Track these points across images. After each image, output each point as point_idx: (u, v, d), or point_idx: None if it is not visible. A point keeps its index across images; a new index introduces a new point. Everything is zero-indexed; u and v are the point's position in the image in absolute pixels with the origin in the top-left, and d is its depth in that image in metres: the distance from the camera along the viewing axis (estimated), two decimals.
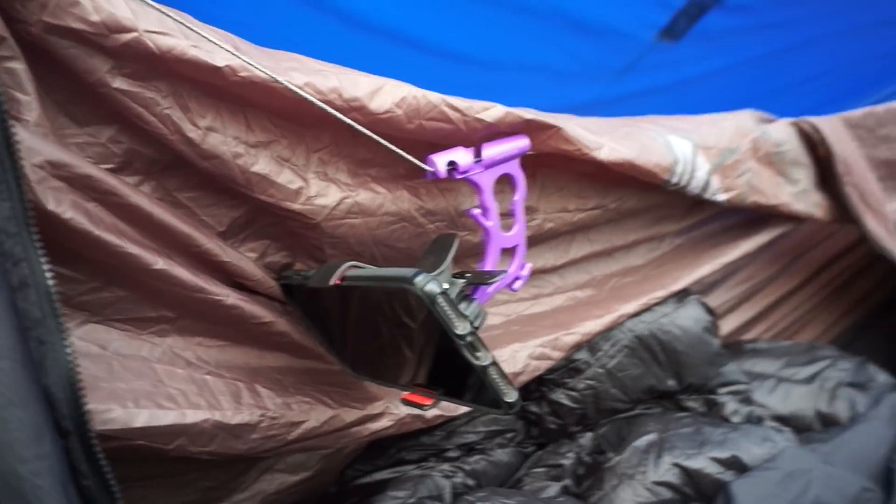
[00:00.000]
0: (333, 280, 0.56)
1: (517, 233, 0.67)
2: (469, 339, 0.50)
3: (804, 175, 1.02)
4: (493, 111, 0.61)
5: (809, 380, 1.14)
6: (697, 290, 1.13)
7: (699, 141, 0.81)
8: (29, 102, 0.46)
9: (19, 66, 0.45)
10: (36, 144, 0.43)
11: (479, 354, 0.50)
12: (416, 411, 0.68)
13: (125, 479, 0.58)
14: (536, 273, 0.87)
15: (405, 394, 0.60)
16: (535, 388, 0.90)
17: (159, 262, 0.51)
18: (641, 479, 0.83)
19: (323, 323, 0.68)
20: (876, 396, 1.10)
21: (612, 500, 0.82)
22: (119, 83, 0.48)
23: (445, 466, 0.82)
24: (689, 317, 0.94)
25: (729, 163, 0.85)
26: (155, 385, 0.53)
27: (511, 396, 0.52)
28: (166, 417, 0.51)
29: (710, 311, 0.97)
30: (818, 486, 0.80)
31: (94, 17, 0.45)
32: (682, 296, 0.95)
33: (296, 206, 0.59)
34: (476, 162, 0.62)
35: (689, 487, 0.84)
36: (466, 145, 0.62)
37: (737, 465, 0.85)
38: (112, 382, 0.50)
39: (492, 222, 0.64)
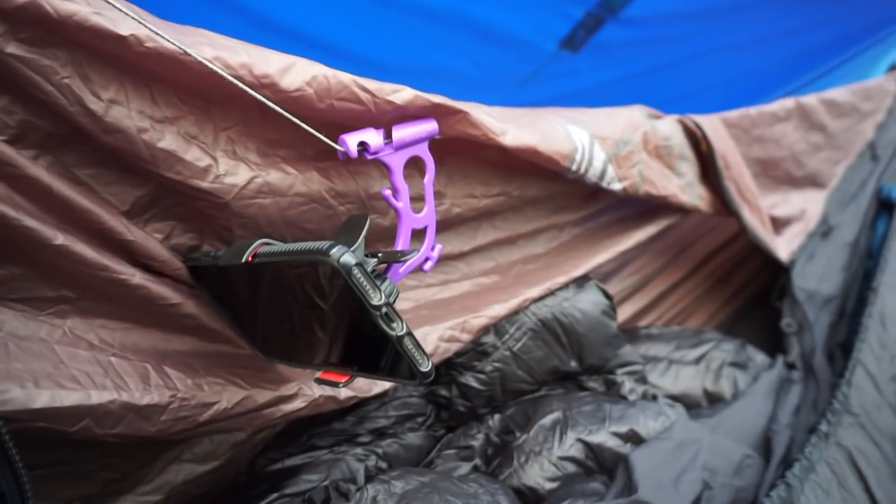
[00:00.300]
0: (246, 257, 0.56)
1: (427, 214, 0.68)
2: (385, 309, 0.51)
3: (689, 169, 1.09)
4: (402, 93, 0.63)
5: (697, 361, 1.22)
6: (595, 277, 1.20)
7: (596, 131, 0.86)
8: None
9: None
10: None
11: (394, 325, 0.51)
12: (331, 390, 0.68)
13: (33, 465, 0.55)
14: (444, 259, 0.89)
15: (320, 372, 0.60)
16: (445, 371, 0.92)
17: (59, 238, 0.49)
18: (548, 455, 0.87)
19: (233, 305, 0.67)
20: (755, 375, 1.20)
21: (521, 476, 0.85)
22: (13, 48, 0.46)
23: (358, 451, 0.82)
24: (589, 300, 0.98)
25: (623, 153, 0.90)
26: (56, 366, 0.50)
27: (426, 366, 0.53)
28: (69, 398, 0.49)
29: (607, 295, 1.02)
30: (706, 454, 0.86)
31: None
32: (581, 281, 1.00)
33: (204, 185, 0.58)
34: (386, 143, 0.63)
35: (592, 461, 0.88)
36: (376, 127, 0.63)
37: (634, 438, 0.91)
38: (8, 363, 0.48)
39: (402, 203, 0.66)
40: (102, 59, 0.50)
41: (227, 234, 0.64)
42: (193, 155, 0.57)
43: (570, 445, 0.87)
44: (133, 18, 0.47)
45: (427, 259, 0.70)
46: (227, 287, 0.67)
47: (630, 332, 1.29)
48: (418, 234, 0.69)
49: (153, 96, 0.54)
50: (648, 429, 0.92)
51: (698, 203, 1.15)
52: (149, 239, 0.58)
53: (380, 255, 0.65)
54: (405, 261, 0.63)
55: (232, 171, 0.59)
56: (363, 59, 1.04)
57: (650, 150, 0.98)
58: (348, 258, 0.49)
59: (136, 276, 0.55)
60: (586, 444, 0.88)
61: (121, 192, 0.58)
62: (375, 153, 0.62)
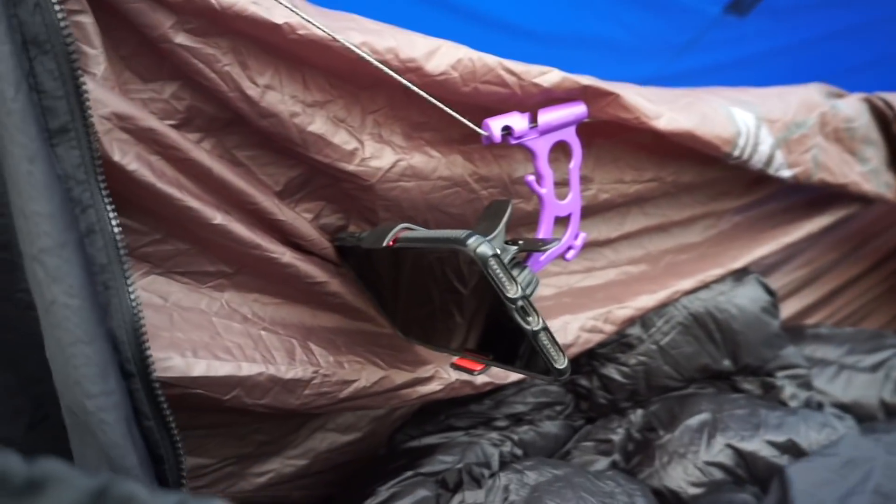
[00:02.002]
0: (387, 241, 0.56)
1: (572, 201, 0.66)
2: (521, 303, 0.49)
3: (875, 154, 0.97)
4: (550, 76, 0.60)
5: (874, 368, 1.10)
6: (756, 270, 1.10)
7: (764, 113, 0.78)
8: (97, 56, 0.48)
9: (87, 20, 0.47)
10: (103, 96, 0.45)
11: (530, 319, 0.50)
12: (467, 376, 0.68)
13: (183, 427, 0.60)
14: (589, 245, 0.86)
15: (456, 358, 0.60)
16: (586, 361, 0.89)
17: (218, 217, 0.52)
18: (693, 459, 0.82)
19: (376, 285, 0.69)
20: None
21: (662, 477, 0.81)
22: (181, 38, 0.49)
23: (494, 435, 0.82)
24: (747, 296, 0.91)
25: (795, 137, 0.82)
26: (213, 337, 0.54)
27: (561, 363, 0.51)
28: (223, 368, 0.52)
29: (769, 291, 0.94)
30: (880, 476, 0.77)
31: None
32: (740, 274, 0.93)
33: (350, 168, 0.59)
34: (531, 128, 0.61)
35: (742, 469, 0.82)
36: (522, 110, 0.61)
37: (793, 450, 0.83)
38: (172, 332, 0.52)
39: (546, 189, 0.63)
40: (259, 47, 0.53)
41: (372, 216, 0.65)
42: (341, 138, 0.58)
43: (718, 450, 0.82)
44: (286, 6, 0.48)
45: (570, 248, 0.67)
46: (371, 267, 0.69)
47: (795, 331, 1.19)
48: (563, 221, 0.67)
49: (305, 81, 0.56)
50: (811, 441, 0.84)
51: (884, 192, 1.02)
52: (298, 219, 0.60)
53: (521, 242, 0.63)
54: (546, 250, 0.61)
55: (377, 154, 0.60)
56: (512, 27, 1.02)
57: (828, 133, 0.88)
58: (485, 249, 0.48)
59: (287, 255, 0.58)
60: (737, 451, 0.82)
61: (276, 173, 0.61)
62: (520, 138, 0.60)
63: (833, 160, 0.91)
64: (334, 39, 0.50)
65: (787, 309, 1.23)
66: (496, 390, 0.85)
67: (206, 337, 0.53)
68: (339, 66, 0.56)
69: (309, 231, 0.61)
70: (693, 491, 0.80)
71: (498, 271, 0.48)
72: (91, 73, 0.47)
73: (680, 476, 0.81)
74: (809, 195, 1.05)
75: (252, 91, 0.53)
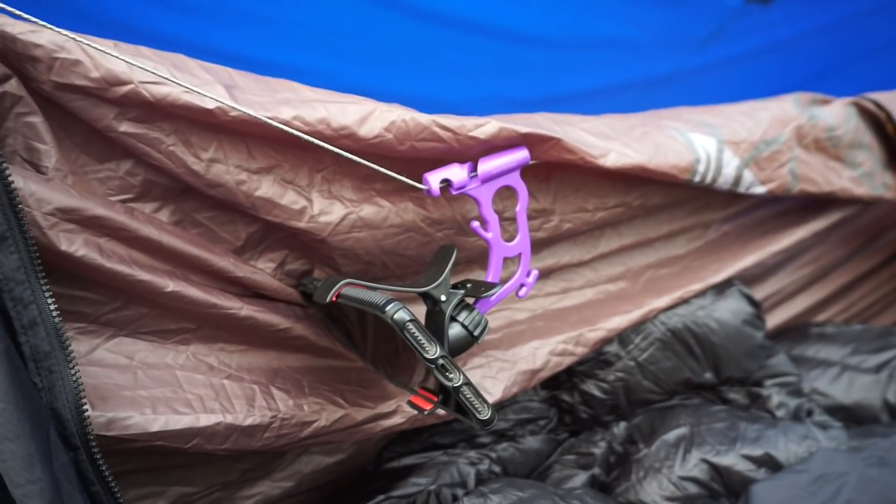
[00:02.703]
0: (329, 298, 0.60)
1: (521, 242, 0.68)
2: (440, 362, 0.53)
3: (867, 157, 0.96)
4: (485, 128, 0.63)
5: (878, 368, 1.08)
6: (757, 271, 1.10)
7: (727, 136, 0.78)
8: (48, 151, 0.53)
9: (37, 120, 0.52)
10: (46, 195, 0.49)
11: (450, 376, 0.53)
12: (418, 414, 0.72)
13: (157, 468, 0.66)
14: (565, 268, 0.88)
15: (412, 396, 0.64)
16: (567, 378, 0.92)
17: (170, 286, 0.57)
18: (668, 473, 0.84)
19: (343, 324, 0.73)
20: None
21: (638, 492, 0.84)
22: (125, 127, 0.54)
23: (472, 453, 0.86)
24: (728, 309, 0.92)
25: (765, 155, 0.81)
26: (174, 391, 0.59)
27: (485, 414, 0.54)
28: (181, 422, 0.57)
29: (753, 302, 0.94)
30: (851, 491, 0.77)
31: (95, 74, 0.50)
32: (723, 287, 0.93)
33: (301, 225, 0.63)
34: (472, 177, 0.64)
35: (718, 484, 0.84)
36: (463, 161, 0.64)
37: (770, 463, 0.84)
38: (135, 391, 0.57)
39: (492, 234, 0.66)
40: (201, 126, 0.57)
41: (332, 262, 0.69)
42: (289, 199, 0.62)
43: (693, 465, 0.84)
44: (212, 98, 0.52)
45: (522, 285, 0.70)
46: (337, 308, 0.73)
47: (800, 330, 1.18)
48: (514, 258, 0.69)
49: (249, 150, 0.60)
50: (789, 454, 0.85)
51: (882, 193, 1.01)
52: (256, 273, 0.64)
53: (468, 286, 0.66)
54: (486, 297, 0.64)
55: (326, 209, 0.64)
56: (523, 37, 1.02)
57: (808, 144, 0.87)
58: (402, 315, 0.51)
59: (244, 309, 0.62)
60: (712, 466, 0.84)
61: (235, 230, 0.65)
62: (460, 188, 0.63)
63: (815, 170, 0.90)
64: (258, 120, 0.54)
65: (797, 305, 1.22)
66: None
67: (168, 392, 0.59)
68: (282, 135, 0.59)
69: (269, 282, 0.66)
70: None
71: (416, 334, 0.52)
72: (43, 167, 0.52)
73: (655, 490, 0.83)
74: (803, 200, 1.03)
75: (197, 166, 0.57)
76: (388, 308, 0.52)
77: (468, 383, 0.54)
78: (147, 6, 0.82)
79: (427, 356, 0.52)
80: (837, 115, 0.91)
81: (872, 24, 1.26)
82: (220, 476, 0.74)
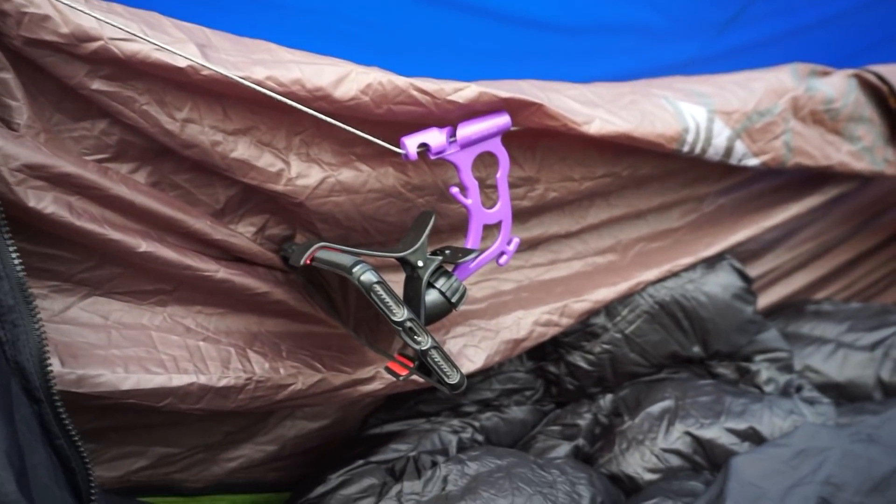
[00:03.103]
0: (304, 260, 0.60)
1: (501, 209, 0.68)
2: (408, 325, 0.52)
3: (868, 131, 0.94)
4: (465, 92, 0.62)
5: (873, 346, 1.07)
6: (755, 247, 1.08)
7: (718, 106, 0.77)
8: (19, 107, 0.52)
9: (8, 76, 0.51)
10: (13, 150, 0.49)
11: (418, 339, 0.53)
12: (394, 379, 0.72)
13: (134, 426, 0.67)
14: (554, 238, 0.87)
15: (389, 362, 0.64)
16: (553, 349, 0.92)
17: (143, 246, 0.57)
18: (650, 445, 0.84)
19: (325, 290, 0.73)
20: None
21: (620, 463, 0.84)
22: (97, 84, 0.53)
23: (455, 422, 0.86)
24: (718, 283, 0.91)
25: (758, 126, 0.80)
26: (148, 351, 0.60)
27: (454, 378, 0.54)
28: (153, 381, 0.58)
29: (744, 276, 0.93)
30: (833, 466, 0.77)
31: (64, 30, 0.50)
32: (713, 261, 0.92)
33: (278, 188, 0.63)
34: (451, 142, 0.63)
35: (701, 457, 0.83)
36: (442, 125, 0.63)
37: (754, 437, 0.84)
38: (108, 350, 0.57)
39: (472, 200, 0.66)
40: (175, 85, 0.56)
41: (312, 227, 0.69)
42: (266, 161, 0.62)
43: (676, 438, 0.84)
44: (182, 56, 0.52)
45: (502, 253, 0.70)
46: (319, 274, 0.73)
47: (796, 307, 1.17)
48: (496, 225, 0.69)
49: (225, 111, 0.59)
50: (774, 428, 0.85)
51: (883, 168, 0.99)
52: (234, 236, 0.64)
53: (447, 252, 0.66)
54: (461, 263, 0.63)
55: (304, 172, 0.64)
56: (536, 23, 1.00)
57: (804, 116, 0.86)
58: (369, 276, 0.51)
59: (220, 272, 0.62)
60: (695, 438, 0.83)
61: (214, 193, 0.65)
62: (438, 153, 0.62)
63: (812, 143, 0.88)
64: (230, 78, 0.53)
65: (796, 282, 1.21)
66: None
67: (142, 352, 0.59)
68: (258, 96, 0.59)
69: (248, 245, 0.66)
70: (649, 477, 0.82)
71: (383, 296, 0.52)
72: (14, 124, 0.52)
73: (637, 462, 0.83)
74: (802, 174, 1.02)
75: (172, 126, 0.57)
76: (355, 269, 0.51)
77: (436, 347, 0.54)
78: None
79: (394, 318, 0.52)
80: (837, 86, 0.89)
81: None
82: (202, 437, 0.75)
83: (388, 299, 0.52)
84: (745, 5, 1.07)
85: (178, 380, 0.59)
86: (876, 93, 0.94)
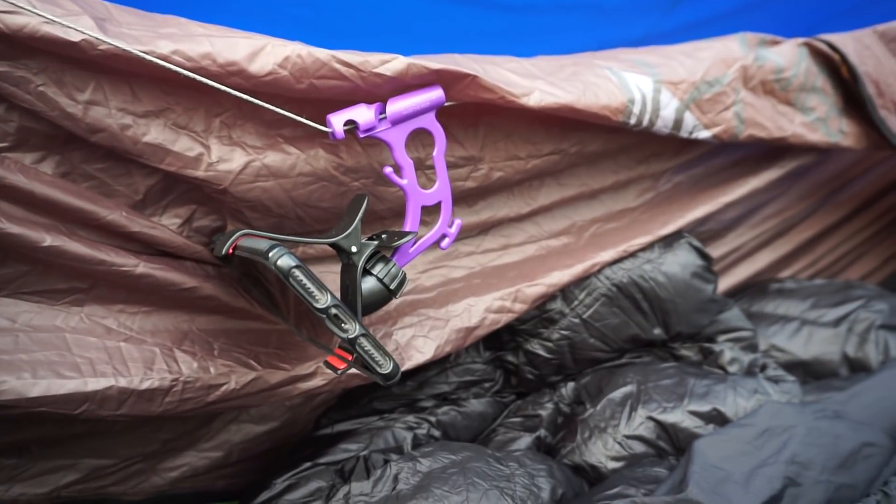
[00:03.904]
0: (226, 250, 0.56)
1: (440, 189, 0.64)
2: (332, 311, 0.49)
3: (821, 101, 0.92)
4: (392, 64, 0.58)
5: (836, 322, 1.06)
6: (716, 226, 1.06)
7: (666, 76, 0.74)
8: None
9: None
10: None
11: (345, 327, 0.49)
12: (333, 374, 0.68)
13: (66, 434, 0.62)
14: (505, 222, 0.84)
15: (329, 356, 0.60)
16: (510, 337, 0.88)
17: (48, 240, 0.52)
18: (613, 433, 0.81)
19: (262, 283, 0.69)
20: None
21: (583, 452, 0.81)
22: None
23: (410, 418, 0.82)
24: (677, 262, 0.88)
25: (707, 96, 0.77)
26: (61, 355, 0.55)
27: (385, 367, 0.51)
28: (65, 386, 0.53)
29: (703, 255, 0.90)
30: (797, 444, 0.74)
31: None
32: (671, 239, 0.89)
33: (199, 174, 0.59)
34: (381, 119, 0.59)
35: (665, 442, 0.81)
36: (373, 101, 0.59)
37: (718, 419, 0.81)
38: (13, 355, 0.53)
39: (407, 180, 0.62)
40: (75, 63, 0.52)
41: (241, 216, 0.65)
42: (183, 145, 0.58)
43: (639, 423, 0.81)
44: (72, 28, 0.47)
45: (444, 236, 0.66)
46: (254, 266, 0.69)
47: (759, 287, 1.15)
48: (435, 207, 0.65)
49: (134, 92, 0.55)
50: (738, 409, 0.82)
51: (838, 140, 0.97)
52: (155, 228, 0.60)
53: (383, 236, 0.62)
54: (396, 246, 0.60)
55: (226, 156, 0.60)
56: (487, 2, 0.98)
57: (754, 86, 0.83)
58: (286, 261, 0.47)
59: (140, 266, 0.58)
60: (658, 423, 0.81)
61: (133, 183, 0.61)
62: (368, 131, 0.59)
63: (764, 114, 0.86)
64: (129, 53, 0.49)
65: (760, 261, 1.19)
66: (419, 370, 0.85)
67: (54, 355, 0.55)
68: (170, 75, 0.54)
69: (171, 238, 0.61)
70: (613, 465, 0.79)
71: (304, 281, 0.48)
72: None
73: (600, 451, 0.80)
74: (758, 148, 1.00)
75: (73, 109, 0.53)
76: (271, 254, 0.48)
77: (366, 335, 0.50)
78: None
79: (317, 305, 0.48)
80: (787, 55, 0.86)
81: None
82: (137, 447, 0.71)
83: (308, 284, 0.48)
84: None
85: (95, 383, 0.55)
86: (827, 62, 0.92)
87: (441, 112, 0.63)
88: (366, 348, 0.50)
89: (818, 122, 0.93)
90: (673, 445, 0.81)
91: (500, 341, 0.89)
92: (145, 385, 0.57)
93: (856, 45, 0.93)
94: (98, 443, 0.67)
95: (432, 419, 0.83)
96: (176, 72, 0.51)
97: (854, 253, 1.33)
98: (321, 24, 0.83)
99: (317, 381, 0.67)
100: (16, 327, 0.55)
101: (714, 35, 0.95)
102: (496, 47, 1.00)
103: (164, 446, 0.73)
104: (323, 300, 0.48)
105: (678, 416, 0.81)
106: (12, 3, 0.47)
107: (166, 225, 0.63)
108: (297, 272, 0.48)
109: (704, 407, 0.81)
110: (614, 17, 1.07)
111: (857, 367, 1.03)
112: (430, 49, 1.00)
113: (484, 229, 0.82)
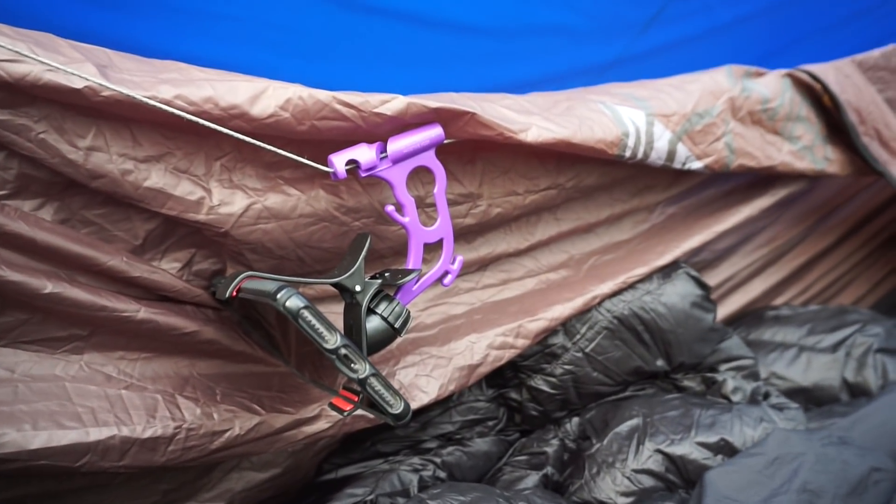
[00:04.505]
0: (230, 292, 0.56)
1: (442, 226, 0.64)
2: (342, 352, 0.48)
3: (806, 130, 0.93)
4: (392, 104, 0.59)
5: (834, 347, 1.06)
6: (710, 256, 1.07)
7: (657, 108, 0.75)
8: None
9: None
10: None
11: (355, 367, 0.49)
12: (339, 416, 0.67)
13: (65, 488, 0.60)
14: (504, 257, 0.84)
15: (334, 398, 0.59)
16: (513, 374, 0.87)
17: (48, 287, 0.52)
18: (621, 468, 0.80)
19: (262, 326, 0.68)
20: None
21: (592, 489, 0.79)
22: None
23: (415, 460, 0.81)
24: (676, 293, 0.88)
25: (699, 128, 0.79)
26: (62, 404, 0.54)
27: (396, 407, 0.50)
28: (66, 437, 0.52)
29: (701, 284, 0.91)
30: (808, 472, 0.74)
31: None
32: (669, 270, 0.90)
33: (200, 217, 0.59)
34: (382, 158, 0.60)
35: (674, 474, 0.80)
36: (373, 140, 0.60)
37: (726, 449, 0.81)
38: (13, 406, 0.52)
39: (409, 218, 0.62)
40: (76, 110, 0.52)
41: (242, 259, 0.65)
42: (184, 189, 0.57)
43: (647, 457, 0.80)
44: (78, 76, 0.48)
45: (447, 273, 0.66)
46: (255, 308, 0.68)
47: (755, 315, 1.15)
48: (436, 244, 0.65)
49: (134, 137, 0.55)
50: (745, 438, 0.81)
51: (824, 167, 0.99)
52: (156, 272, 0.59)
53: (386, 275, 0.62)
54: (400, 285, 0.59)
55: (227, 199, 0.59)
56: (459, 26, 0.99)
57: (743, 117, 0.85)
58: (294, 302, 0.47)
59: (141, 311, 0.57)
60: (667, 456, 0.80)
61: (132, 228, 0.60)
62: (369, 170, 0.59)
63: (753, 144, 0.87)
64: (133, 99, 0.49)
65: (753, 290, 1.20)
66: (422, 411, 0.84)
67: (54, 405, 0.53)
68: (171, 119, 0.55)
69: (172, 283, 0.61)
70: (623, 501, 0.78)
71: (312, 322, 0.47)
72: None
73: (609, 486, 0.79)
74: (748, 178, 1.01)
75: (74, 155, 0.52)
76: (279, 295, 0.47)
77: (376, 374, 0.49)
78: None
79: (326, 346, 0.48)
80: (771, 86, 0.88)
81: (815, 6, 1.25)
82: (137, 499, 0.68)
83: (317, 325, 0.47)
84: (664, 5, 1.08)
85: (97, 433, 0.53)
86: (810, 91, 0.94)
87: (439, 150, 0.64)
88: (376, 388, 0.49)
89: (804, 150, 0.95)
90: (682, 478, 0.80)
91: (502, 378, 0.88)
92: (148, 433, 0.56)
93: (836, 74, 0.95)
94: (97, 497, 0.65)
95: (437, 460, 0.82)
96: (179, 116, 0.51)
97: (845, 278, 1.35)
98: (300, 48, 0.84)
99: (321, 424, 0.66)
100: (15, 377, 0.54)
101: (684, 57, 0.98)
102: (472, 70, 1.02)
103: (164, 497, 0.70)
104: (332, 340, 0.48)
105: (686, 448, 0.80)
106: (16, 52, 0.47)
107: (166, 269, 0.62)
108: (305, 313, 0.47)
109: (712, 438, 0.81)
110: (586, 41, 1.09)
111: (857, 392, 1.03)
112: (407, 71, 1.01)
113: (483, 265, 0.82)
